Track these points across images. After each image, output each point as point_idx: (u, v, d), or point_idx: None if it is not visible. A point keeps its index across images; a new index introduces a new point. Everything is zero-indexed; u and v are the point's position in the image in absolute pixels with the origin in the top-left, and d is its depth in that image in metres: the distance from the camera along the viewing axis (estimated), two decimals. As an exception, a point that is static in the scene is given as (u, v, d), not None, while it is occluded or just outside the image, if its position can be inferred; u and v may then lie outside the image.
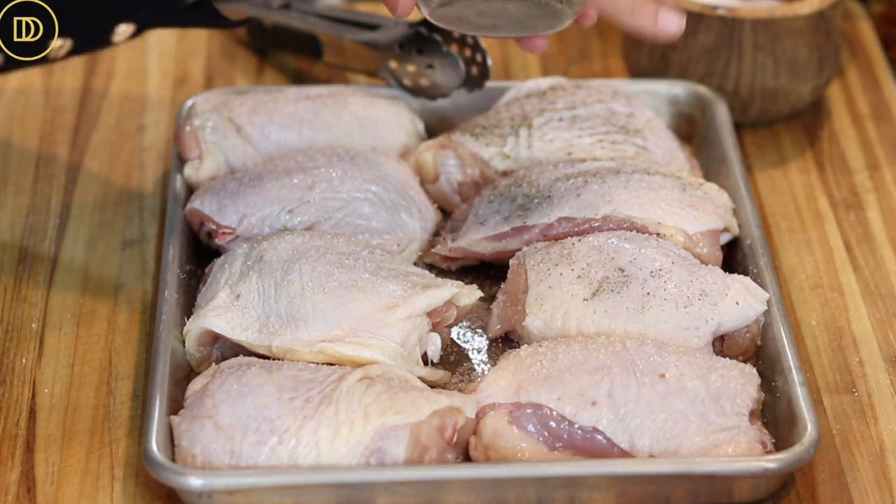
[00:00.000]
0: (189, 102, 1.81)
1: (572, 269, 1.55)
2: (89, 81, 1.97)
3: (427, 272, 1.60)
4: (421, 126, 1.81)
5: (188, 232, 1.68)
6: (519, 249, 1.62)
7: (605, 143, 1.72)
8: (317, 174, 1.67)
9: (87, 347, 1.61)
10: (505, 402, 1.45)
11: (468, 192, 1.73)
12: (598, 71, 2.01)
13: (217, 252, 1.66)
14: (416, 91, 1.83)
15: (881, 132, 1.90)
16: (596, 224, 1.61)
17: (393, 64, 1.83)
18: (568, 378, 1.45)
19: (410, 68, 1.82)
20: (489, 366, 1.57)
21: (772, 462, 1.40)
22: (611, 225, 1.61)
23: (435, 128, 1.82)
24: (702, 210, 1.62)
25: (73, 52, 1.46)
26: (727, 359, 1.50)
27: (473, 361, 1.58)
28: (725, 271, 1.58)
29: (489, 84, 1.79)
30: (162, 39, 2.04)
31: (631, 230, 1.60)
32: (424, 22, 1.77)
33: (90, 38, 1.47)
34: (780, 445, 1.45)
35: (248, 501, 1.40)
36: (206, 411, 1.42)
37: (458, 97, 1.82)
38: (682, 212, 1.61)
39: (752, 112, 1.88)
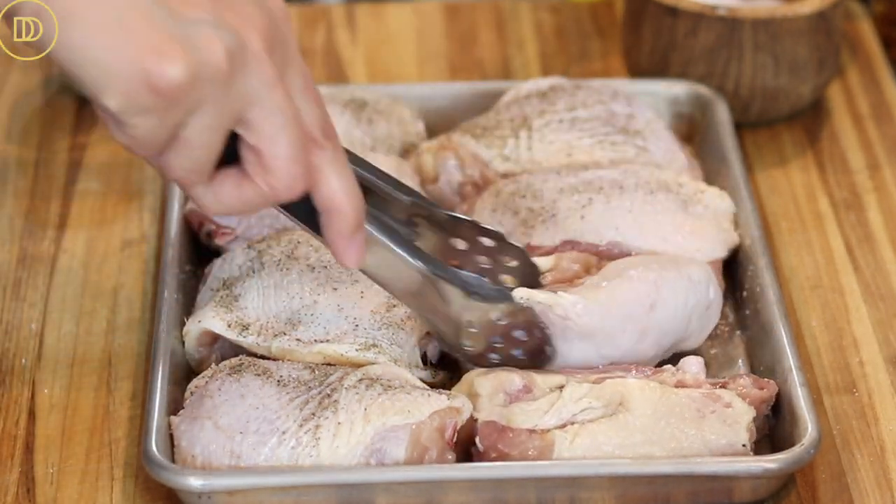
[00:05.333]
0: (189, 102, 1.80)
1: (572, 275, 1.55)
2: (89, 81, 1.97)
3: (427, 272, 1.59)
4: (421, 126, 1.81)
5: (188, 232, 1.68)
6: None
7: (606, 144, 1.72)
8: (317, 174, 1.67)
9: (87, 347, 1.61)
10: (505, 402, 1.45)
11: (468, 193, 1.72)
12: (598, 71, 2.00)
13: (217, 252, 1.66)
14: None
15: (881, 132, 1.90)
16: (601, 249, 1.59)
17: None
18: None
19: None
20: (489, 366, 1.57)
21: (772, 462, 1.40)
22: (615, 252, 1.59)
23: (435, 128, 1.82)
24: (705, 238, 1.60)
25: None
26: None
27: (473, 362, 1.58)
28: (726, 272, 1.58)
29: (489, 84, 1.78)
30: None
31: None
32: None
33: None
34: (780, 445, 1.45)
35: (247, 502, 1.40)
36: (206, 411, 1.42)
37: (458, 98, 1.82)
38: (686, 242, 1.59)
39: (752, 112, 1.88)
